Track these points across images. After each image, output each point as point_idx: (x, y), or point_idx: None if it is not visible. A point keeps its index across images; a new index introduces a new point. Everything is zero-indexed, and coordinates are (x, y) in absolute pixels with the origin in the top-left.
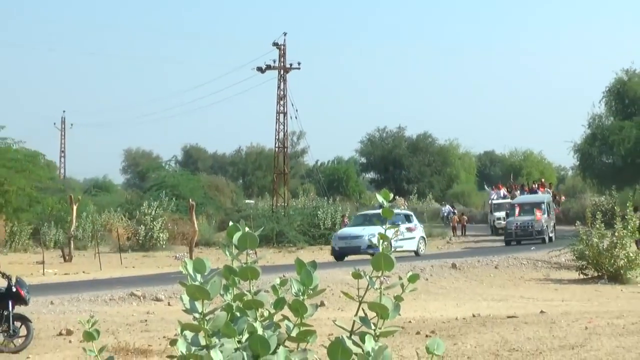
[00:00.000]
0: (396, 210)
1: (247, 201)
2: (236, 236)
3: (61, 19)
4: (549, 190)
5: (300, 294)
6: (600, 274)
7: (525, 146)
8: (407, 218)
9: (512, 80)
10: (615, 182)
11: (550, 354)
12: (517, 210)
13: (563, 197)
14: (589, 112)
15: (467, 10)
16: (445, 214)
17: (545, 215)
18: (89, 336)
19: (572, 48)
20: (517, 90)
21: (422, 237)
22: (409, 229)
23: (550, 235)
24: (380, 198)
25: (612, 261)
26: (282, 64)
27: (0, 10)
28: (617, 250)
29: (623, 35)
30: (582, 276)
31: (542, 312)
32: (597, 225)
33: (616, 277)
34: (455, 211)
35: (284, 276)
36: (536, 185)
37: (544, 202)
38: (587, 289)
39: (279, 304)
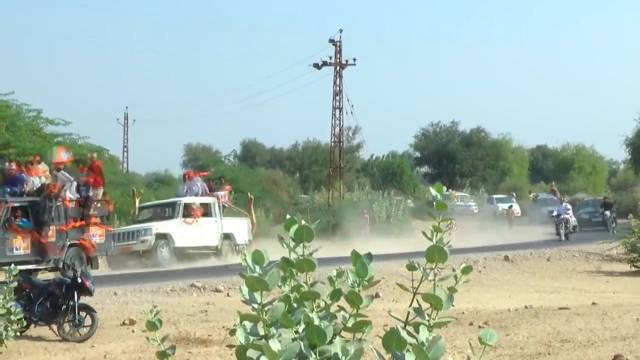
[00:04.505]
0: None
1: (302, 196)
2: (293, 229)
3: (124, 16)
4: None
5: (356, 285)
6: None
7: (577, 140)
8: None
9: (565, 74)
10: None
11: (601, 345)
12: None
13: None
14: None
15: (519, 4)
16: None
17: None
18: (151, 326)
19: (626, 41)
20: (570, 84)
21: None
22: None
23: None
24: (433, 191)
25: None
26: (338, 60)
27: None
28: None
29: None
30: (633, 269)
31: (593, 303)
32: None
33: None
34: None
35: (340, 268)
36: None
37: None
38: (638, 281)
39: (336, 295)
